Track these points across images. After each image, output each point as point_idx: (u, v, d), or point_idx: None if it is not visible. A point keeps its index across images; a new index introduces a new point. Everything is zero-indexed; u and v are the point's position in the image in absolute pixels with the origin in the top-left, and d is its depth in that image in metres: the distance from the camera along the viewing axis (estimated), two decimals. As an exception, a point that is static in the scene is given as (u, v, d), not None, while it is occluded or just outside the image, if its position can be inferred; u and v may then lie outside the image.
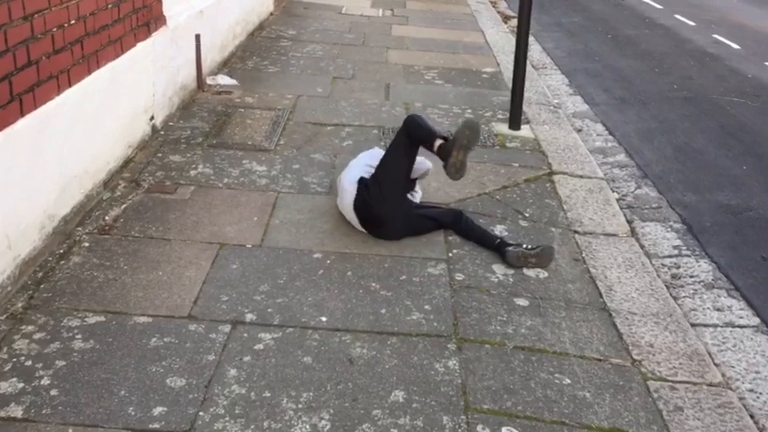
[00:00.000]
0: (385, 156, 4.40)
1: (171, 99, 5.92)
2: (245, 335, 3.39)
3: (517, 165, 5.59)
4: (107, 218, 4.31)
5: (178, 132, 5.66)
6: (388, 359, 3.30)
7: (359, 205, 4.28)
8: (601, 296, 4.01)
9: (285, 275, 3.89)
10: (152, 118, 5.51)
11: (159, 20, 5.61)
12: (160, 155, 5.24)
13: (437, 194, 4.97)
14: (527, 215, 4.85)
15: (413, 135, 4.33)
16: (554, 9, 12.65)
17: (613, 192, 5.52)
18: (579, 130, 6.92)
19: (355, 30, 9.72)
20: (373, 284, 3.86)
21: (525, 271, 4.17)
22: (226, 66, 7.53)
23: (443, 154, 4.26)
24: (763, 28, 11.67)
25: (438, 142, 4.29)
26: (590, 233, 4.75)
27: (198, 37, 6.52)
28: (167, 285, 3.71)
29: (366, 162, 4.50)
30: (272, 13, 10.09)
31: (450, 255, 4.24)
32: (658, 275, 4.36)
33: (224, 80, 6.99)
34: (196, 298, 3.63)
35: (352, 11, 10.81)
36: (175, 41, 5.94)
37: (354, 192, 4.29)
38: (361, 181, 4.32)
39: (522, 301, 3.86)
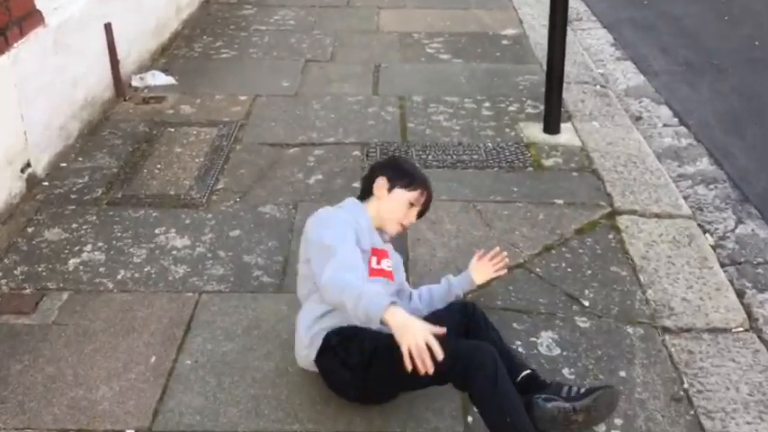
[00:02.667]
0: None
1: (64, 128, 4.17)
2: None
3: (562, 201, 3.81)
4: None
5: (71, 180, 3.94)
6: None
7: (327, 367, 2.53)
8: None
9: (182, 505, 2.22)
10: (27, 166, 3.78)
11: (29, 20, 3.83)
12: (32, 229, 3.53)
13: (438, 274, 3.23)
14: (586, 303, 3.12)
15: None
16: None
17: (706, 234, 3.75)
18: (638, 119, 5.08)
19: (340, -17, 7.77)
20: None
21: (594, 441, 2.47)
22: (164, 54, 5.73)
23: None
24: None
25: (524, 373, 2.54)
26: (688, 330, 3.02)
27: (109, 27, 4.72)
28: None
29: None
30: (236, -32, 8.15)
31: (470, 419, 2.54)
32: (813, 422, 2.64)
33: (156, 79, 5.21)
34: None
35: (337, -44, 8.79)
36: (64, 44, 4.15)
37: (316, 350, 2.49)
38: (329, 338, 2.48)
39: None
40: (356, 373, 2.39)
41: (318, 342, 2.45)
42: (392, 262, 2.68)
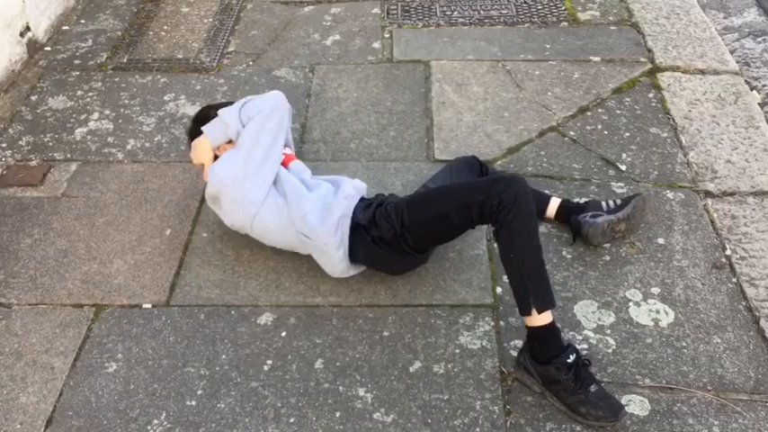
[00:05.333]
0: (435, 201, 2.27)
1: (63, -13, 3.90)
2: None
3: (599, 59, 3.53)
4: None
5: (74, 45, 3.71)
6: None
7: (373, 256, 2.36)
8: (777, 366, 2.21)
9: (204, 381, 2.16)
10: (26, 30, 3.55)
11: None
12: (35, 97, 3.35)
13: (471, 142, 3.04)
14: (623, 168, 2.93)
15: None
16: None
17: (753, 90, 3.48)
18: (681, -34, 4.66)
19: None
20: (361, 392, 2.12)
21: (632, 310, 2.36)
22: None
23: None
24: None
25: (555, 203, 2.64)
26: (732, 194, 2.84)
27: None
28: (-21, 441, 2.03)
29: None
30: None
31: (500, 290, 2.42)
32: None
33: (160, -67, 4.82)
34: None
35: None
36: None
37: (346, 249, 2.32)
38: (356, 222, 2.32)
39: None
40: (400, 244, 2.26)
41: (346, 234, 2.29)
42: None
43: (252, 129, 2.40)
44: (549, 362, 2.05)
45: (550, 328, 2.07)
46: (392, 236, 2.24)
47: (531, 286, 2.06)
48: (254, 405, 2.08)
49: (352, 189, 2.37)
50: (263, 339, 2.26)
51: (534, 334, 2.08)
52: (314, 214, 2.28)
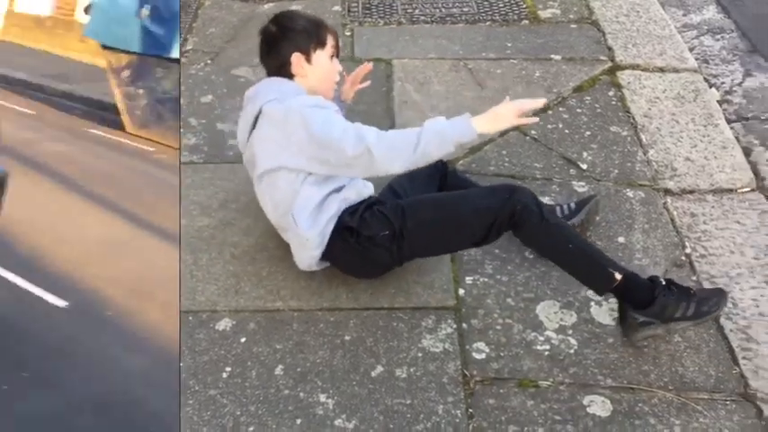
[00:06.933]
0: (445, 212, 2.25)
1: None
2: None
3: (559, 57, 3.54)
4: None
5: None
6: None
7: (352, 254, 2.30)
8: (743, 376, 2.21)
9: (160, 389, 2.11)
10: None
11: None
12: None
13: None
14: (584, 167, 2.93)
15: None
16: None
17: (712, 88, 3.51)
18: (641, -37, 4.69)
19: None
20: (323, 398, 2.08)
21: (593, 309, 2.36)
22: None
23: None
24: None
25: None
26: (692, 192, 2.86)
27: None
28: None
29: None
30: None
31: (462, 292, 2.40)
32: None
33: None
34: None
35: None
36: None
37: (324, 246, 2.27)
38: (342, 222, 2.25)
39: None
40: (391, 246, 2.22)
41: (327, 235, 2.24)
42: None
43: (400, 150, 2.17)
44: (653, 298, 2.12)
45: (632, 274, 2.17)
46: (386, 236, 2.20)
47: (601, 258, 2.18)
48: (212, 413, 2.04)
49: (354, 194, 2.28)
50: (222, 346, 2.21)
51: (627, 288, 2.14)
52: (309, 209, 2.21)
